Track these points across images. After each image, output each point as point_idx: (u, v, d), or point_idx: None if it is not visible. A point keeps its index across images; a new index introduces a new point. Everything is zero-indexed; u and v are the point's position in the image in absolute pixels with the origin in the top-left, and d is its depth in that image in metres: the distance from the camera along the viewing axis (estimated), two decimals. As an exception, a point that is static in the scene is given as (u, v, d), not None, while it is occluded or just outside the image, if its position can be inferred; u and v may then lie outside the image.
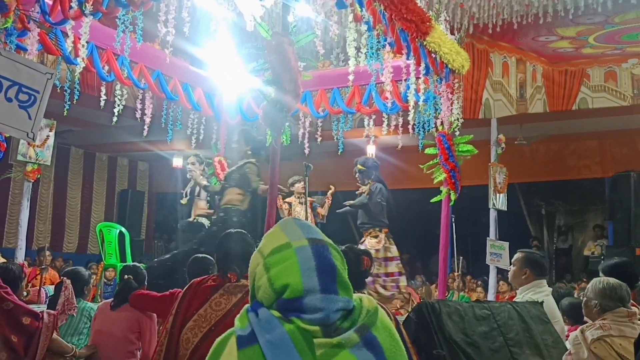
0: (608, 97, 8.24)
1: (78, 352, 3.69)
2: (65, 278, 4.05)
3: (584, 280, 9.56)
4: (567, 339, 3.45)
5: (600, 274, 3.55)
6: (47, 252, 8.25)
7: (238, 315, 1.24)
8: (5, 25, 3.35)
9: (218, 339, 1.23)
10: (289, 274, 1.20)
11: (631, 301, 3.04)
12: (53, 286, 6.07)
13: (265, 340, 1.14)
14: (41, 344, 3.26)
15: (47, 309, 3.91)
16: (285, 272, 1.20)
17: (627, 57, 8.24)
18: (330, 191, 8.25)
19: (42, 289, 5.86)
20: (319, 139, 7.78)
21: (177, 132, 7.48)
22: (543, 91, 8.42)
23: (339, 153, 7.79)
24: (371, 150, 10.39)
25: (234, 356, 1.16)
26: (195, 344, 2.62)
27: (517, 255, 3.87)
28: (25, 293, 5.14)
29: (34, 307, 3.62)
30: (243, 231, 3.02)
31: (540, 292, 3.71)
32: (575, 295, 5.72)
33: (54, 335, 3.41)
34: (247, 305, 1.26)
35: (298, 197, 7.77)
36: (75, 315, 4.06)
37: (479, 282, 10.15)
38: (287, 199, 7.96)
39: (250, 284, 1.28)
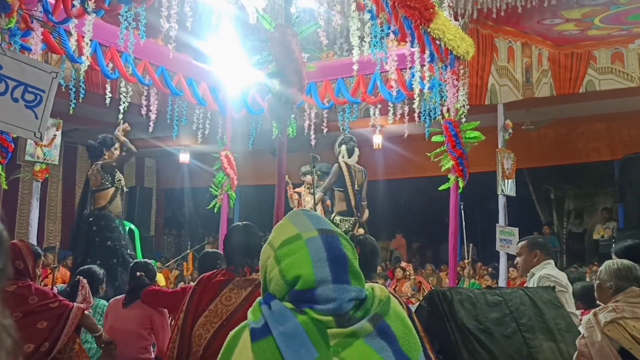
0: (615, 78, 8.16)
1: (106, 337, 3.75)
2: (81, 277, 4.08)
3: (595, 264, 9.51)
4: (580, 324, 3.44)
5: (613, 256, 3.54)
6: (50, 255, 8.23)
7: (251, 308, 1.24)
8: (9, 26, 3.35)
9: (232, 333, 1.23)
10: (300, 265, 1.19)
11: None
12: (64, 285, 6.12)
13: (279, 332, 1.14)
14: (69, 323, 3.32)
15: None
16: (297, 264, 1.20)
17: (633, 38, 8.15)
18: None
19: (54, 287, 5.91)
20: (325, 130, 7.77)
21: (182, 128, 7.48)
22: (549, 75, 8.35)
23: (346, 143, 7.76)
24: (377, 139, 10.38)
25: (247, 349, 1.16)
26: (207, 339, 2.62)
27: (520, 244, 4.02)
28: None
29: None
30: (249, 223, 3.00)
31: (552, 270, 3.82)
32: (587, 280, 5.70)
33: (87, 312, 3.52)
34: (259, 298, 1.26)
35: (308, 188, 7.79)
36: (90, 312, 4.10)
37: (490, 269, 10.13)
38: (297, 189, 7.97)
39: (262, 276, 1.28)
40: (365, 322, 1.18)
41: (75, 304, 3.47)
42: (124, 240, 6.54)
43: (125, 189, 6.94)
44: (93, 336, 3.72)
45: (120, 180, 6.66)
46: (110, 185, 6.50)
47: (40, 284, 5.79)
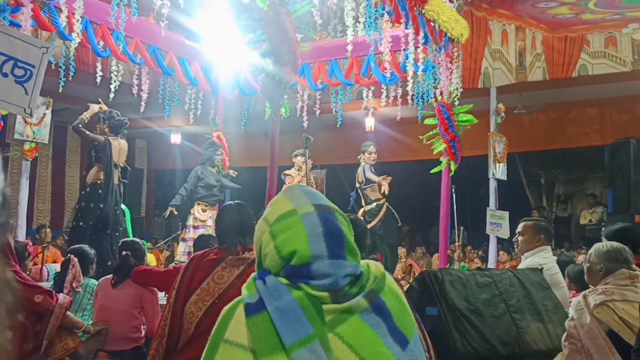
0: (608, 63, 8.15)
1: (88, 327, 3.72)
2: (72, 256, 4.06)
3: (584, 248, 9.61)
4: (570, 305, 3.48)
5: (603, 239, 3.56)
6: (48, 230, 8.27)
7: (245, 284, 1.23)
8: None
9: (225, 308, 1.22)
10: (296, 240, 1.19)
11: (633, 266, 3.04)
12: (55, 264, 6.10)
13: (274, 307, 1.13)
14: (51, 324, 3.28)
15: (54, 286, 3.95)
16: (292, 239, 1.19)
17: (627, 22, 8.13)
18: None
19: (44, 267, 5.88)
20: (318, 112, 7.73)
21: (174, 108, 7.42)
22: (543, 59, 8.33)
23: (338, 126, 7.76)
24: (370, 122, 10.35)
25: (242, 324, 1.15)
26: (199, 317, 2.63)
27: (525, 224, 3.96)
28: (28, 272, 5.16)
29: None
30: (242, 203, 2.99)
31: (547, 258, 3.81)
32: (578, 262, 5.75)
33: (68, 313, 3.45)
34: (254, 274, 1.25)
35: (298, 170, 7.76)
36: (80, 291, 4.09)
37: (480, 252, 10.19)
38: (287, 172, 7.93)
39: (257, 252, 1.27)
40: (360, 298, 1.18)
41: (59, 299, 3.36)
42: None
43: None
44: (79, 332, 3.67)
45: None
46: None
47: (31, 263, 5.78)
